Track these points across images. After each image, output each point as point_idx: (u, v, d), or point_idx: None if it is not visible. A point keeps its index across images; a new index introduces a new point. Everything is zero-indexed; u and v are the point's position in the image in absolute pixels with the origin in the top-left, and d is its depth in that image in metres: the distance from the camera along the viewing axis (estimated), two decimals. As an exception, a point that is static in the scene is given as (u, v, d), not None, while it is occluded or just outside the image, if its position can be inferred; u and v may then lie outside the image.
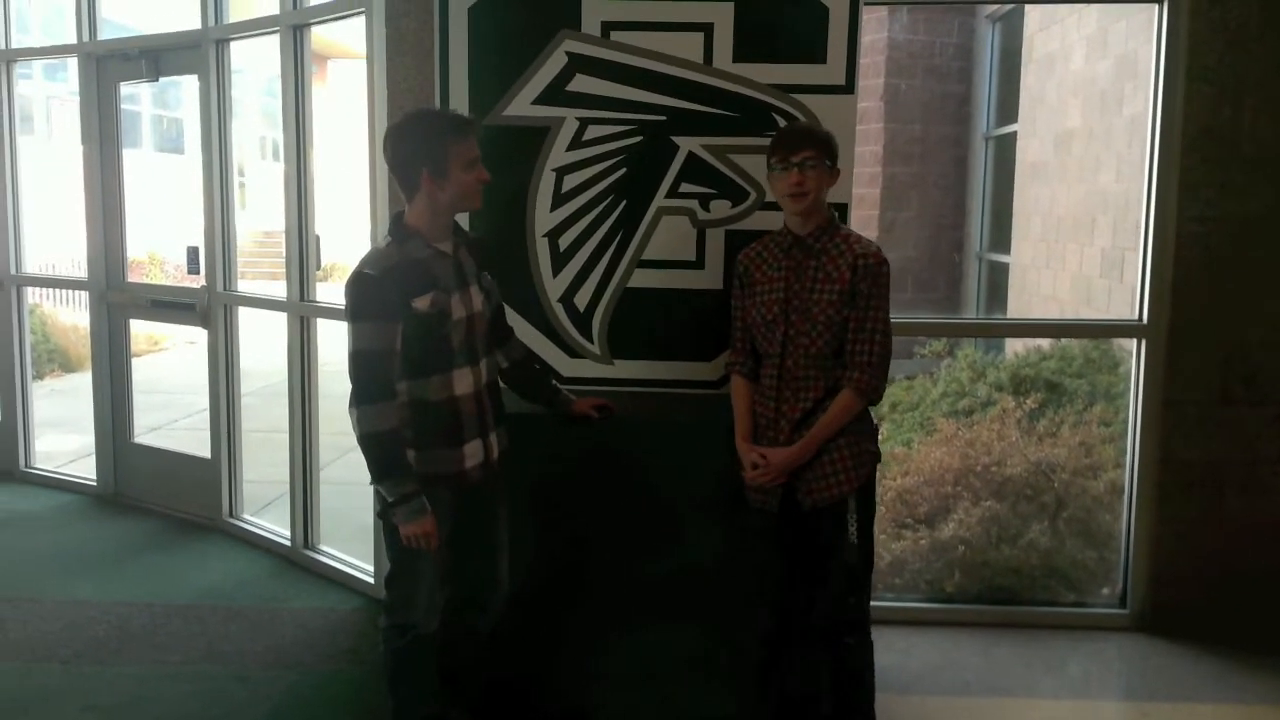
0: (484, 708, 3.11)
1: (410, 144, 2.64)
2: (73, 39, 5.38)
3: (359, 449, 2.61)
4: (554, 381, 3.15)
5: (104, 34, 5.39)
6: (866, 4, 3.37)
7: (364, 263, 2.63)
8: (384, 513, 2.72)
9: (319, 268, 4.55)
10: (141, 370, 6.06)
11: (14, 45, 5.73)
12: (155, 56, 5.11)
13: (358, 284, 2.59)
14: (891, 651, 3.67)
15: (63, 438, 6.59)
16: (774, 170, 2.78)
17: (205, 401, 5.10)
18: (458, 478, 2.74)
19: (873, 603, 3.03)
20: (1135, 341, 3.87)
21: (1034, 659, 3.74)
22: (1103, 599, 4.13)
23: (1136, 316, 3.85)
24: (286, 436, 4.59)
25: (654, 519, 3.09)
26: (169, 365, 9.44)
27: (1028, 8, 7.57)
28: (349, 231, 5.45)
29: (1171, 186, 3.70)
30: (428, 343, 2.65)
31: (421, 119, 2.70)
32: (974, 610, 4.07)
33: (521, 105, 3.38)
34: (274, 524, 4.91)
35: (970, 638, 3.88)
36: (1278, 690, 3.50)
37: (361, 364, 2.58)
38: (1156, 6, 3.72)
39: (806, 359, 2.77)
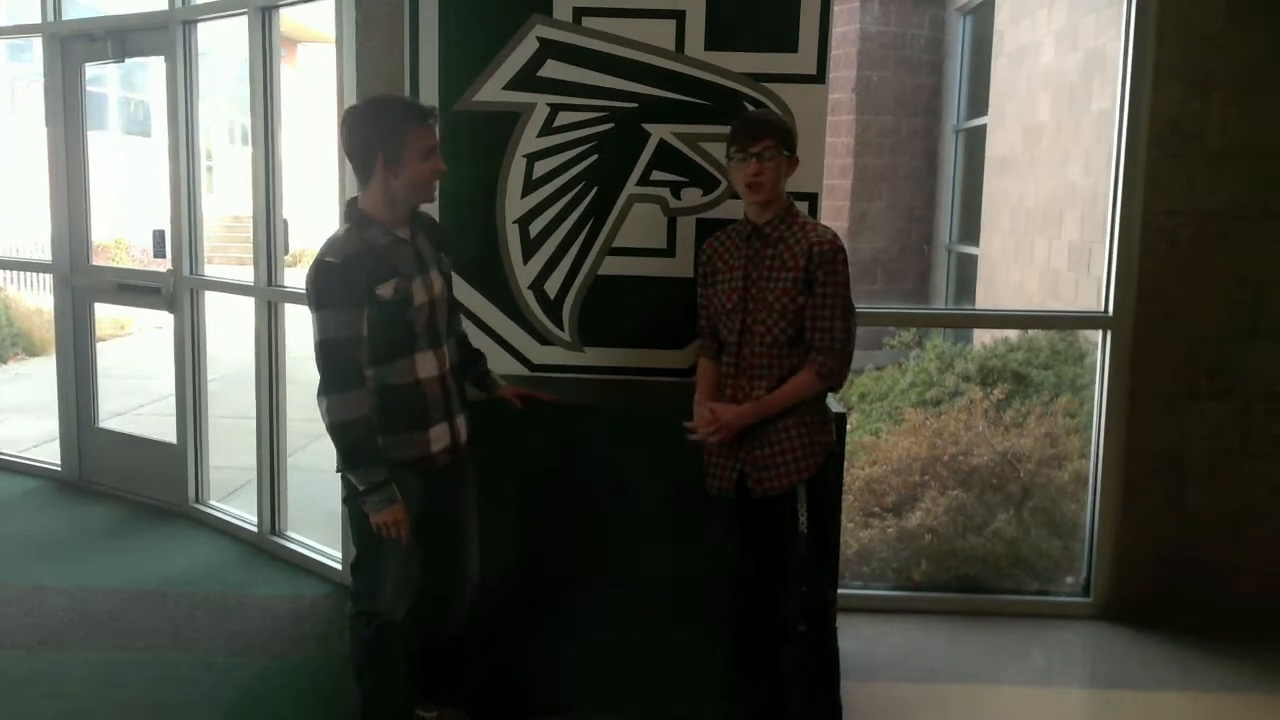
0: (459, 699, 3.10)
1: (367, 128, 2.62)
2: (37, 19, 5.30)
3: (328, 436, 2.60)
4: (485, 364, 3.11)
5: (69, 14, 5.31)
6: (839, -6, 3.38)
7: (325, 251, 2.60)
8: (350, 498, 2.71)
9: (287, 253, 4.52)
10: (106, 354, 6.00)
11: (-23, 24, 5.65)
12: (121, 37, 5.04)
13: (321, 272, 2.57)
14: (859, 639, 3.70)
15: (26, 422, 6.51)
16: (732, 159, 2.78)
17: (171, 386, 5.05)
18: (425, 461, 2.73)
19: (840, 590, 3.04)
20: (1101, 333, 3.91)
21: (999, 647, 3.78)
22: (1067, 587, 4.17)
23: (1103, 309, 3.88)
24: (254, 422, 4.56)
25: (625, 508, 3.09)
26: (134, 350, 9.34)
27: (998, 1, 7.60)
28: (317, 216, 5.41)
29: (1138, 180, 3.73)
30: (391, 329, 2.63)
31: (380, 104, 2.69)
32: (940, 598, 4.11)
33: (492, 90, 3.36)
34: (241, 510, 4.87)
35: (937, 625, 3.91)
36: (1239, 677, 3.55)
37: (330, 353, 2.56)
38: (1125, 1, 3.74)
39: (763, 347, 2.77)
